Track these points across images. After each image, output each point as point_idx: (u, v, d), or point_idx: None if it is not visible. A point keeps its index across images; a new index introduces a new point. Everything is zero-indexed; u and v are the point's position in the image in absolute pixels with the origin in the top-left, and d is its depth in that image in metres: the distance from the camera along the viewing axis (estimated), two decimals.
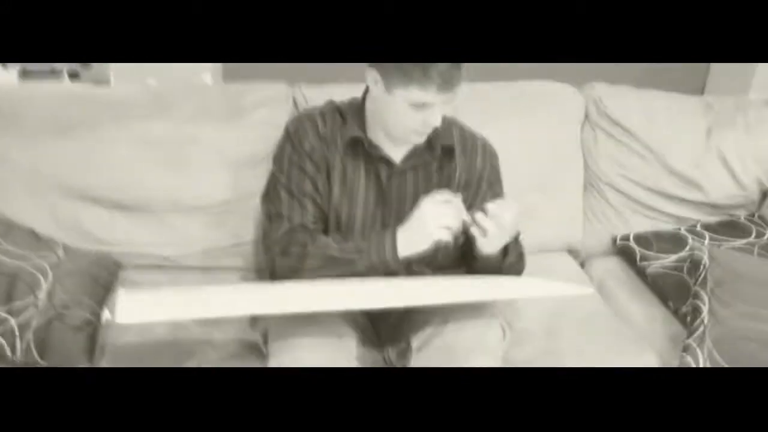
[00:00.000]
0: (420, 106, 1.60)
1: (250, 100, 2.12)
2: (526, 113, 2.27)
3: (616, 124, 2.29)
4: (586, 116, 2.32)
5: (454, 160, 1.80)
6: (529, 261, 1.86)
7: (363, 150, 1.74)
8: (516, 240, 1.76)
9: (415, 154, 1.77)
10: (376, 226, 1.77)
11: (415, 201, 1.68)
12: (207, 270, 2.09)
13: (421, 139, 1.71)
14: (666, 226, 2.32)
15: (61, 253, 1.90)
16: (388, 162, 1.75)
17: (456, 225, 1.61)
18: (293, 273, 1.68)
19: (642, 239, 2.23)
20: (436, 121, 1.63)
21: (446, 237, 1.60)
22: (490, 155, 1.86)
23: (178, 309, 1.55)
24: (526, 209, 1.98)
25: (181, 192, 2.05)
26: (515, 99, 2.30)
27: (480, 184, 1.82)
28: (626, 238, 2.26)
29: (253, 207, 2.03)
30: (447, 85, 1.57)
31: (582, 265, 2.34)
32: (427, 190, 1.73)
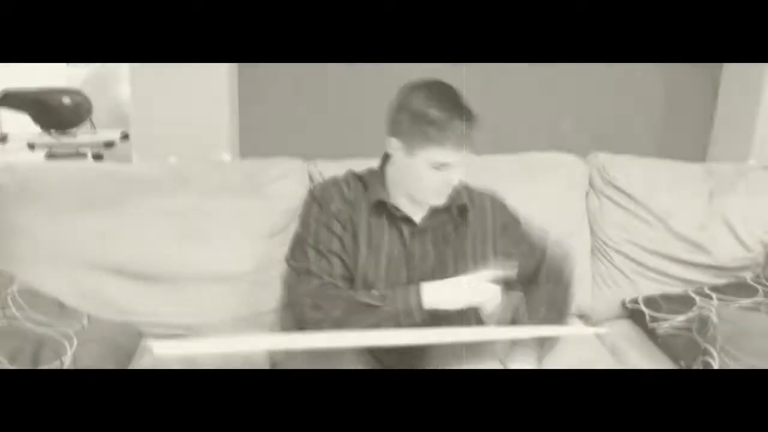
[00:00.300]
0: (440, 166, 1.72)
1: (268, 174, 2.21)
2: (532, 182, 2.36)
3: (621, 191, 2.37)
4: (591, 184, 2.41)
5: (468, 218, 1.90)
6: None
7: (387, 211, 1.85)
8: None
9: (433, 214, 1.88)
10: (401, 281, 1.84)
11: (436, 257, 1.82)
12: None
13: (441, 201, 1.84)
14: (674, 288, 2.36)
15: (85, 321, 1.95)
16: (410, 222, 1.86)
17: (486, 303, 1.74)
18: (322, 324, 1.74)
19: (651, 301, 2.27)
20: (456, 180, 1.76)
21: (472, 302, 1.72)
22: (499, 205, 1.99)
23: (208, 345, 1.63)
24: None
25: (201, 263, 2.11)
26: (521, 169, 2.39)
27: (495, 231, 1.94)
28: (635, 301, 2.30)
29: (272, 277, 2.10)
30: (463, 142, 1.71)
31: None
32: (446, 247, 1.86)
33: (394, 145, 1.79)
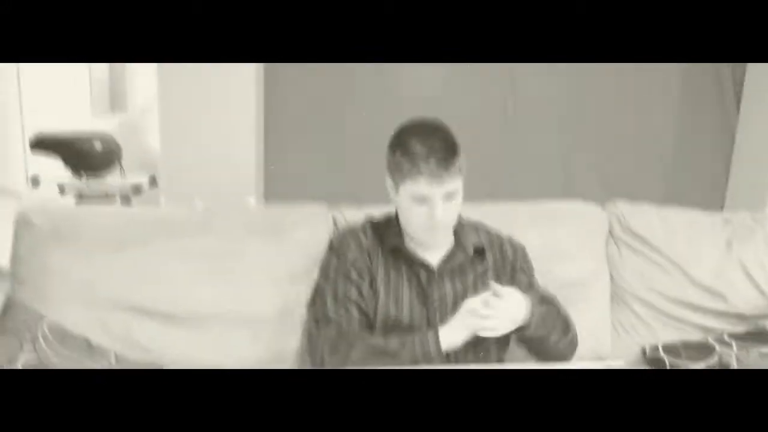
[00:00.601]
0: (420, 200, 1.77)
1: (292, 219, 2.26)
2: (550, 230, 2.38)
3: (640, 238, 2.40)
4: (611, 232, 2.44)
5: (485, 259, 1.95)
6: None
7: (403, 257, 1.89)
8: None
9: (450, 257, 1.93)
10: (421, 325, 1.89)
11: (454, 300, 1.87)
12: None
13: (435, 240, 1.88)
14: (693, 336, 2.37)
15: (113, 360, 1.99)
16: (426, 266, 1.89)
17: (491, 323, 1.76)
18: (340, 366, 1.79)
19: (670, 349, 2.28)
20: (440, 215, 1.78)
21: (480, 328, 1.77)
22: (519, 247, 2.03)
23: None
24: None
25: (225, 304, 2.15)
26: (539, 217, 2.42)
27: (514, 273, 1.98)
28: (655, 348, 2.31)
29: (293, 322, 2.14)
30: (437, 176, 1.74)
31: None
32: (465, 289, 1.91)
33: (388, 184, 1.87)
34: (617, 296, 2.41)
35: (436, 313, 1.90)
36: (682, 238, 2.41)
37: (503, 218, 2.32)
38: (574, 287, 2.35)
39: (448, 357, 1.82)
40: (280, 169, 3.09)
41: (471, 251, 1.95)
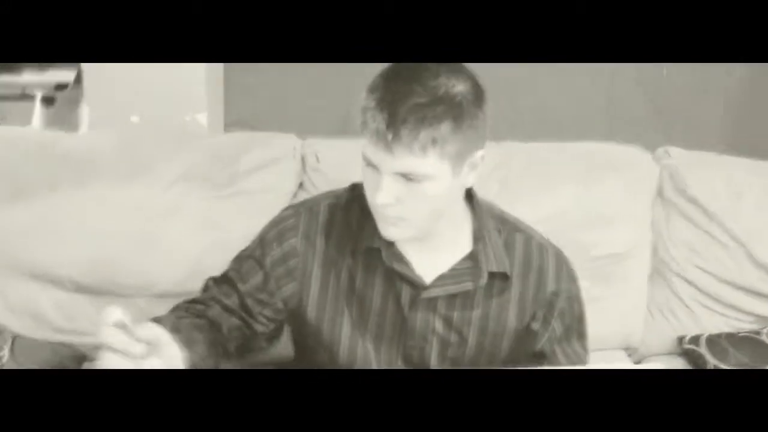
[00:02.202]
0: (368, 164, 1.20)
1: (250, 159, 1.76)
2: (587, 182, 1.89)
3: (696, 204, 1.89)
4: (660, 191, 1.93)
5: (508, 290, 1.36)
6: None
7: (381, 262, 1.33)
8: None
9: (454, 275, 1.33)
10: (394, 361, 1.36)
11: (443, 341, 1.34)
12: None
13: (389, 232, 1.26)
14: (744, 325, 1.94)
15: (8, 339, 1.58)
16: (412, 282, 1.33)
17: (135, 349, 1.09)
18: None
19: (715, 345, 1.85)
20: (378, 196, 1.19)
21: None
22: (566, 278, 1.41)
23: None
24: None
25: (158, 274, 1.72)
26: (576, 164, 1.92)
27: (548, 317, 1.39)
28: (696, 340, 1.88)
29: None
30: (383, 140, 1.14)
31: (638, 364, 1.97)
32: (465, 327, 1.35)
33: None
34: (658, 272, 1.95)
35: (413, 353, 1.36)
36: (749, 205, 1.90)
37: (528, 164, 1.89)
38: (607, 259, 1.89)
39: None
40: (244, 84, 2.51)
41: (486, 276, 1.33)
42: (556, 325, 1.39)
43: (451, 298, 1.34)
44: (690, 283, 1.93)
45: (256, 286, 1.35)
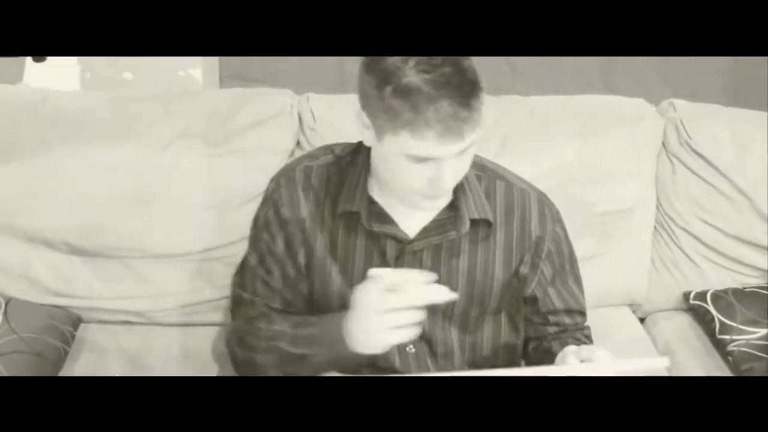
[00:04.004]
0: (421, 160, 1.16)
1: (245, 117, 1.71)
2: (588, 136, 1.83)
3: (701, 157, 1.84)
4: (665, 144, 1.88)
5: (492, 236, 1.35)
6: None
7: (361, 223, 1.32)
8: None
9: (436, 226, 1.32)
10: None
11: None
12: (185, 327, 1.72)
13: (434, 204, 1.28)
14: (750, 279, 1.90)
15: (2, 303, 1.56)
16: (396, 237, 1.31)
17: (418, 315, 1.15)
18: (252, 368, 1.33)
19: (722, 301, 1.82)
20: (447, 182, 1.19)
21: (408, 336, 1.16)
22: (550, 220, 1.40)
23: None
24: (583, 254, 1.62)
25: (155, 235, 1.67)
26: (576, 117, 1.86)
27: (536, 264, 1.38)
28: (702, 296, 1.84)
29: (243, 252, 1.61)
30: (452, 131, 1.12)
31: (642, 320, 1.95)
32: (452, 277, 1.33)
33: (362, 121, 1.22)
34: (663, 227, 1.90)
35: None
36: (755, 158, 1.85)
37: (527, 117, 1.84)
38: (610, 215, 1.85)
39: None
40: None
41: (467, 224, 1.31)
42: (545, 268, 1.39)
43: (437, 250, 1.33)
44: (695, 237, 1.89)
45: (284, 275, 1.36)
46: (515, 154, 1.71)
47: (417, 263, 1.33)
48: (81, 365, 1.57)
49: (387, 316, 1.14)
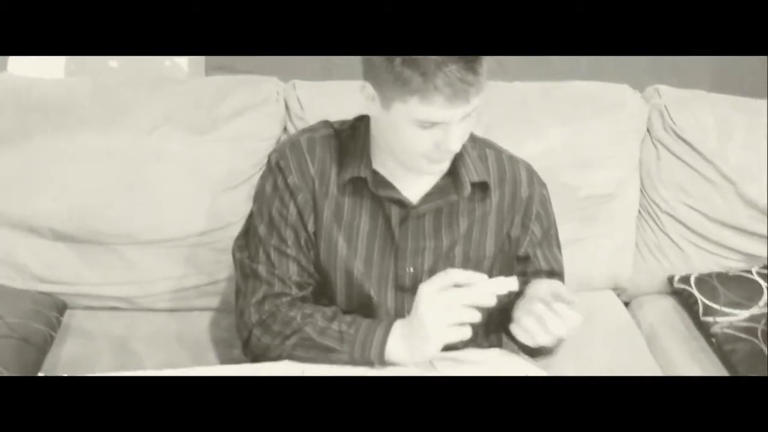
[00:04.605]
0: (428, 126, 1.20)
1: (232, 103, 1.71)
2: (573, 121, 1.85)
3: (686, 143, 1.86)
4: (649, 129, 1.89)
5: (488, 199, 1.40)
6: None
7: (367, 189, 1.35)
8: None
9: (437, 191, 1.36)
10: (386, 285, 1.38)
11: (435, 258, 1.35)
12: (173, 313, 1.72)
13: (438, 168, 1.32)
14: (734, 263, 1.92)
15: None
16: (400, 203, 1.35)
17: (475, 316, 1.20)
18: (270, 351, 1.33)
19: (705, 284, 1.83)
20: (453, 145, 1.23)
21: (462, 336, 1.21)
22: (538, 184, 1.46)
23: None
24: (568, 238, 1.66)
25: (140, 221, 1.67)
26: (561, 103, 1.87)
27: (526, 225, 1.43)
28: (686, 280, 1.86)
29: (228, 239, 1.59)
30: (460, 95, 1.16)
31: (627, 304, 1.97)
32: (453, 239, 1.37)
33: (367, 92, 1.26)
34: (647, 212, 1.92)
35: (406, 276, 1.38)
36: (739, 143, 1.87)
37: (511, 104, 1.84)
38: (595, 200, 1.86)
39: None
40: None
41: (468, 187, 1.37)
42: (535, 228, 1.44)
43: (438, 214, 1.38)
44: (679, 221, 1.91)
45: (297, 241, 1.36)
46: (499, 139, 1.69)
47: (421, 228, 1.37)
48: (67, 351, 1.56)
49: (444, 313, 1.20)
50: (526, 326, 1.24)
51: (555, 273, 1.47)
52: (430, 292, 1.22)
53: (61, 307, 1.66)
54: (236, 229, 1.50)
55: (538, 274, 1.43)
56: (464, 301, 1.20)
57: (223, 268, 1.71)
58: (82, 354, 1.56)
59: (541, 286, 1.28)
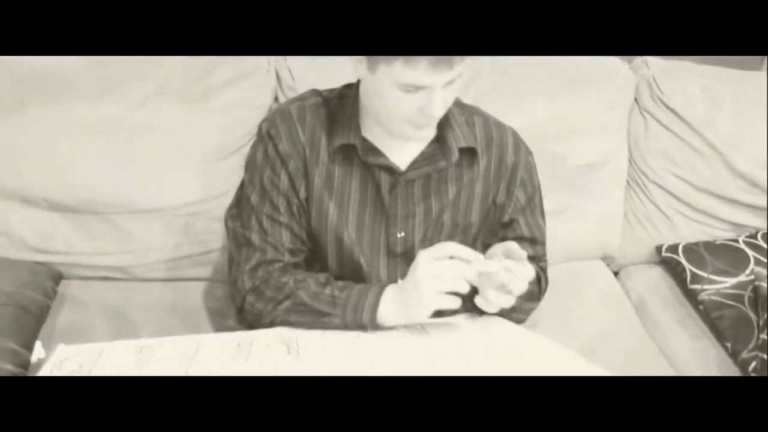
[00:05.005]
0: (412, 89, 1.21)
1: (223, 74, 1.72)
2: (561, 94, 1.86)
3: (674, 113, 1.88)
4: (637, 99, 1.91)
5: (476, 165, 1.42)
6: (557, 270, 1.61)
7: (357, 156, 1.37)
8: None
9: (425, 157, 1.38)
10: (377, 251, 1.41)
11: (425, 224, 1.38)
12: (167, 283, 1.73)
13: (421, 134, 1.34)
14: (720, 233, 1.95)
15: None
16: (390, 169, 1.37)
17: (465, 288, 1.24)
18: (263, 317, 1.35)
19: (693, 253, 1.85)
20: (436, 110, 1.24)
21: (451, 305, 1.25)
22: (524, 151, 1.48)
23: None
24: (557, 208, 1.72)
25: (134, 191, 1.67)
26: (548, 77, 1.88)
27: (511, 191, 1.45)
28: (674, 249, 1.89)
29: (220, 209, 1.62)
30: (443, 60, 1.17)
31: (616, 274, 1.99)
32: (441, 205, 1.40)
33: (354, 58, 1.27)
34: (635, 182, 1.94)
35: (397, 241, 1.40)
36: (726, 113, 1.89)
37: (496, 77, 1.85)
38: (582, 169, 1.88)
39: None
40: None
41: (456, 153, 1.39)
42: (519, 195, 1.46)
43: (426, 180, 1.40)
44: (667, 191, 1.93)
45: (289, 209, 1.38)
46: (486, 110, 1.72)
47: (410, 194, 1.39)
48: (63, 320, 1.57)
49: (438, 280, 1.23)
50: (488, 297, 1.29)
51: (537, 241, 1.50)
52: (430, 257, 1.24)
53: (56, 276, 1.67)
54: (229, 198, 1.51)
55: (520, 240, 1.44)
56: (459, 272, 1.23)
57: (216, 237, 1.72)
58: (78, 323, 1.56)
59: (495, 250, 1.32)
